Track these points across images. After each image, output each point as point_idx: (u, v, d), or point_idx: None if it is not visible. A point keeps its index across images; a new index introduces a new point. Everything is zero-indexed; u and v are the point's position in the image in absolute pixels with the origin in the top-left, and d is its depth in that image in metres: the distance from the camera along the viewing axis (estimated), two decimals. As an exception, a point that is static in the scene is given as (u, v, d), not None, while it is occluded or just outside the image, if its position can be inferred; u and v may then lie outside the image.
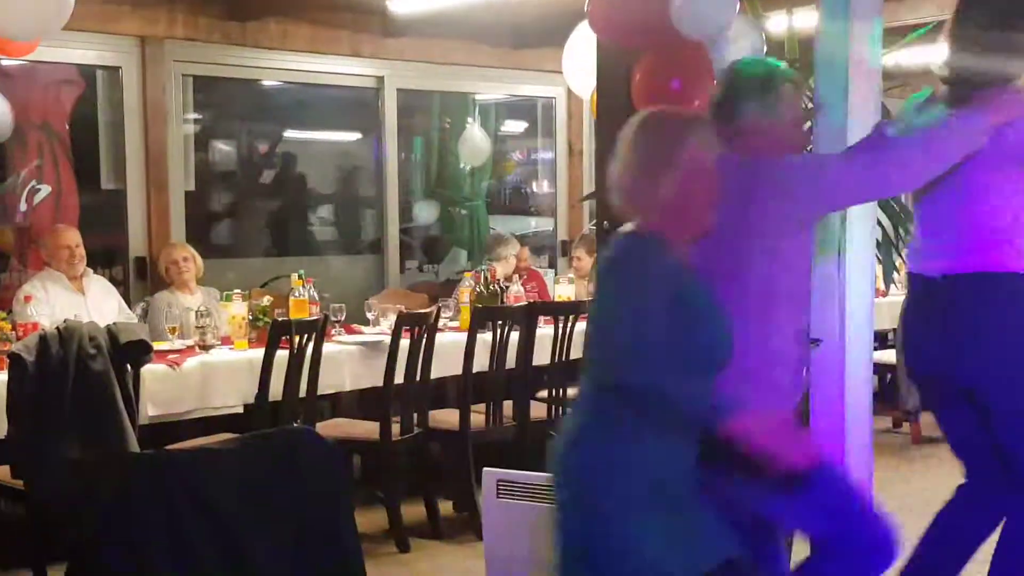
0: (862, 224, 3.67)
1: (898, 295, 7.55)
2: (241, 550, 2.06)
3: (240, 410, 4.99)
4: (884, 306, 7.60)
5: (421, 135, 8.50)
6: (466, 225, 8.56)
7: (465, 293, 6.22)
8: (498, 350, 5.43)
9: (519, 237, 7.65)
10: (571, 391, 5.83)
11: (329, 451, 2.27)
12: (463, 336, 5.48)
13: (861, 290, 3.69)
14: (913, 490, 6.11)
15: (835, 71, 3.59)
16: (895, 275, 4.59)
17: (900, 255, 4.08)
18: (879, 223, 3.85)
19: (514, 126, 9.41)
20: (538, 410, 5.65)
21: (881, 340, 8.03)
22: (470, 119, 8.29)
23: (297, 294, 5.57)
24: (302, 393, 4.87)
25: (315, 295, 5.63)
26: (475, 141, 8.21)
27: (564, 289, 6.75)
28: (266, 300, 5.50)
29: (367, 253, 7.92)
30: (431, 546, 5.19)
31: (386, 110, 7.45)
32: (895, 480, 6.29)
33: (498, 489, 3.80)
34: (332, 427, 5.24)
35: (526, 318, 5.50)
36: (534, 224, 9.06)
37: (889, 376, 7.87)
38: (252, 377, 4.83)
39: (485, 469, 3.85)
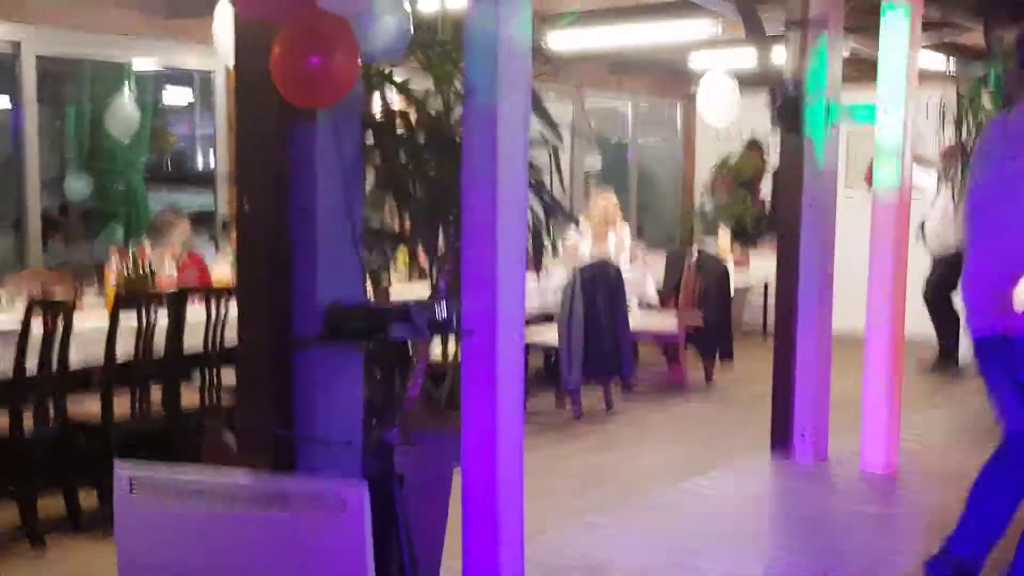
0: (514, 212, 3.63)
1: (562, 279, 7.74)
2: None
3: None
4: (549, 292, 7.74)
5: (72, 104, 7.93)
6: (123, 200, 8.07)
7: (113, 275, 5.82)
8: (145, 336, 5.11)
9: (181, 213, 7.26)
10: (226, 378, 5.57)
11: None
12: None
13: (512, 278, 3.65)
14: (581, 464, 6.25)
15: (485, 54, 3.52)
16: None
17: (552, 242, 4.09)
18: (532, 210, 3.83)
19: (179, 97, 8.95)
20: (190, 398, 5.36)
21: (547, 319, 8.18)
22: (125, 89, 7.78)
23: (-85, 277, 5.03)
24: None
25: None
26: (124, 113, 7.69)
27: (223, 269, 6.46)
28: None
29: (7, 231, 7.29)
30: (70, 542, 4.86)
31: (24, 77, 6.84)
32: (561, 455, 6.41)
33: (131, 485, 3.49)
34: (-45, 423, 4.78)
35: (176, 302, 5.20)
36: (197, 201, 8.66)
37: (553, 357, 8.03)
38: None
39: (117, 463, 3.52)
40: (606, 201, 8.94)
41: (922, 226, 8.70)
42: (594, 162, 10.85)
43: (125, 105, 7.65)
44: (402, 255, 3.88)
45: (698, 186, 11.68)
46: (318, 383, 3.36)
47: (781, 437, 6.06)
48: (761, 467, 5.99)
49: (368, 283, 3.65)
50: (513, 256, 3.67)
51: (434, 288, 3.78)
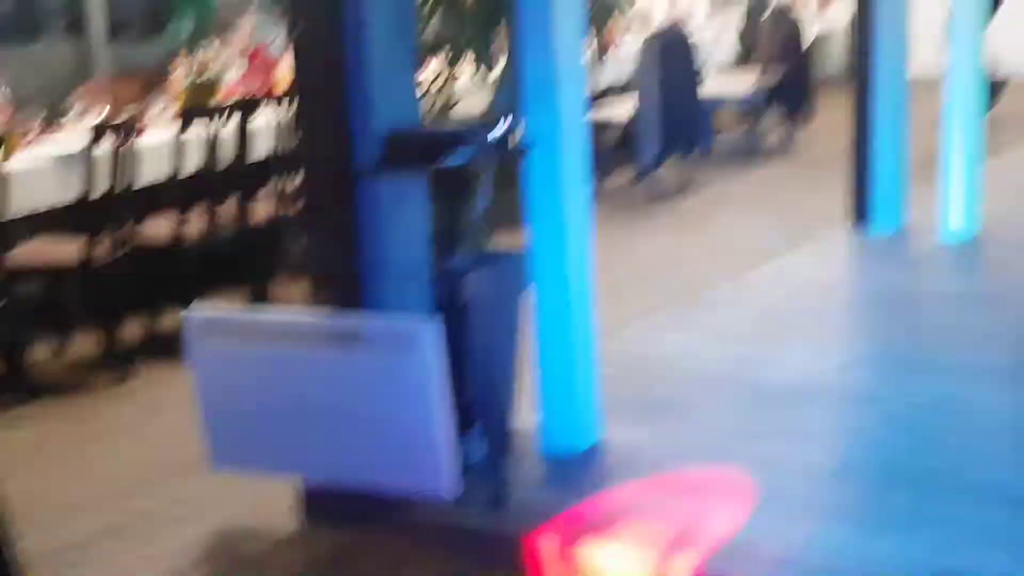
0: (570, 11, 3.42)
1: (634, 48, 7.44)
2: None
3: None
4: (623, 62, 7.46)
5: None
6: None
7: (177, 82, 5.72)
8: (211, 150, 5.05)
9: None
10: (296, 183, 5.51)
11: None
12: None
13: (572, 84, 3.49)
14: (655, 249, 6.16)
15: None
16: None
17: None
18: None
19: None
20: (263, 210, 5.34)
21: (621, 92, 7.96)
22: None
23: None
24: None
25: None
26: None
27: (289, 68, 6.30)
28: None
29: (65, 35, 7.08)
30: (153, 367, 4.85)
31: None
32: (635, 238, 6.33)
33: (204, 330, 3.45)
34: (33, 253, 4.81)
35: (240, 112, 5.10)
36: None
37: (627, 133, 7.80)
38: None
39: (188, 312, 3.48)
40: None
41: None
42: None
43: None
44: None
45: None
46: (382, 212, 3.28)
47: (859, 203, 5.93)
48: (839, 241, 5.82)
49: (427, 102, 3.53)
50: (571, 60, 3.48)
51: (491, 103, 3.64)
